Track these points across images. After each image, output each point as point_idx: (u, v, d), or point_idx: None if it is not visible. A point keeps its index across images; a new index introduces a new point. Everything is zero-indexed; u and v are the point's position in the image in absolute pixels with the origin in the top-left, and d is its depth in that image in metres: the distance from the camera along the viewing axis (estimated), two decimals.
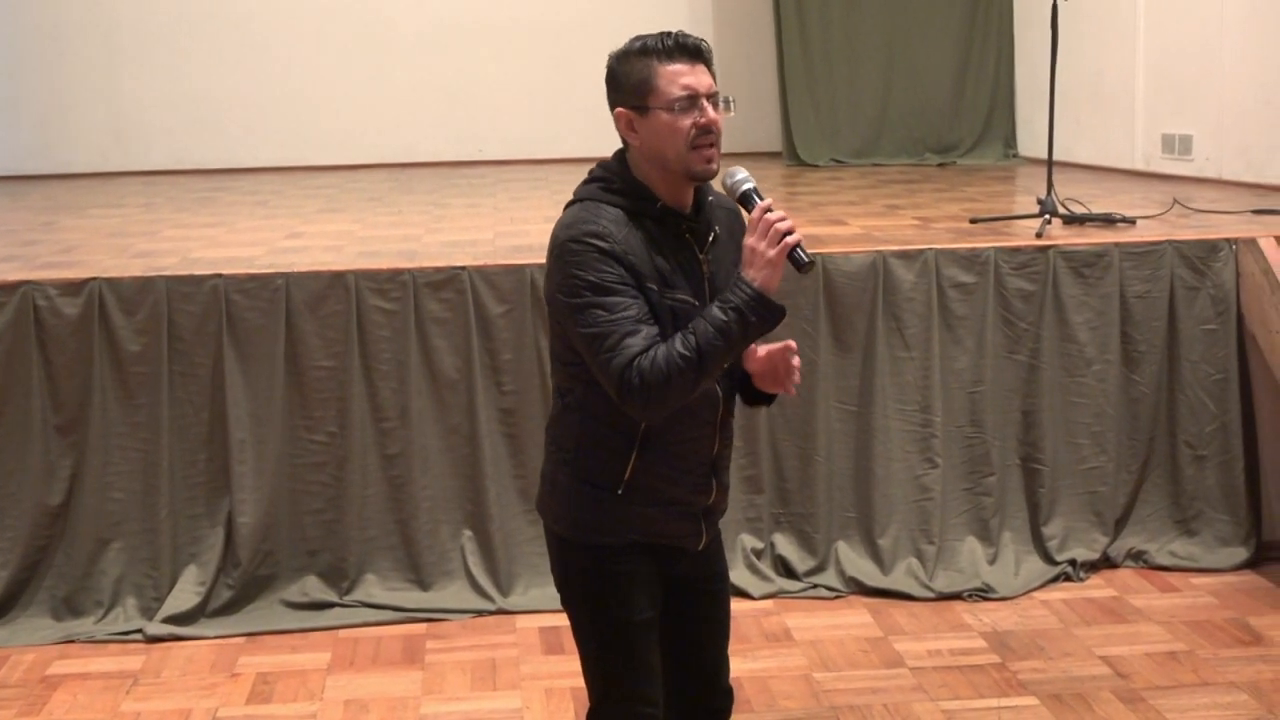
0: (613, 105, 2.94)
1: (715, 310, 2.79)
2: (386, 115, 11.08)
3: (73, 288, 5.25)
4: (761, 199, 2.86)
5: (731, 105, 2.95)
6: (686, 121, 2.86)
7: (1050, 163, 6.67)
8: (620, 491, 2.97)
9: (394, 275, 5.39)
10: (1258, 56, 7.74)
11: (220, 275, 5.32)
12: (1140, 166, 8.95)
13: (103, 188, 9.80)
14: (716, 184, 3.00)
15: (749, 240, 2.80)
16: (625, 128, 2.93)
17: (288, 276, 5.34)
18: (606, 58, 2.96)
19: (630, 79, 2.90)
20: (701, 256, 2.96)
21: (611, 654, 3.09)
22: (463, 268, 5.42)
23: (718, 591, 3.24)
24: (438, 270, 5.42)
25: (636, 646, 3.07)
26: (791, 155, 10.52)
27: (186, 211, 8.06)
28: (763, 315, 2.78)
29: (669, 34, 2.90)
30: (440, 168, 10.79)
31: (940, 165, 10.40)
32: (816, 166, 10.33)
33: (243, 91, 10.94)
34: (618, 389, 2.80)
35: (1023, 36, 10.62)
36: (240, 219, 7.58)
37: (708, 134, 2.87)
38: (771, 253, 2.77)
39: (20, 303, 5.21)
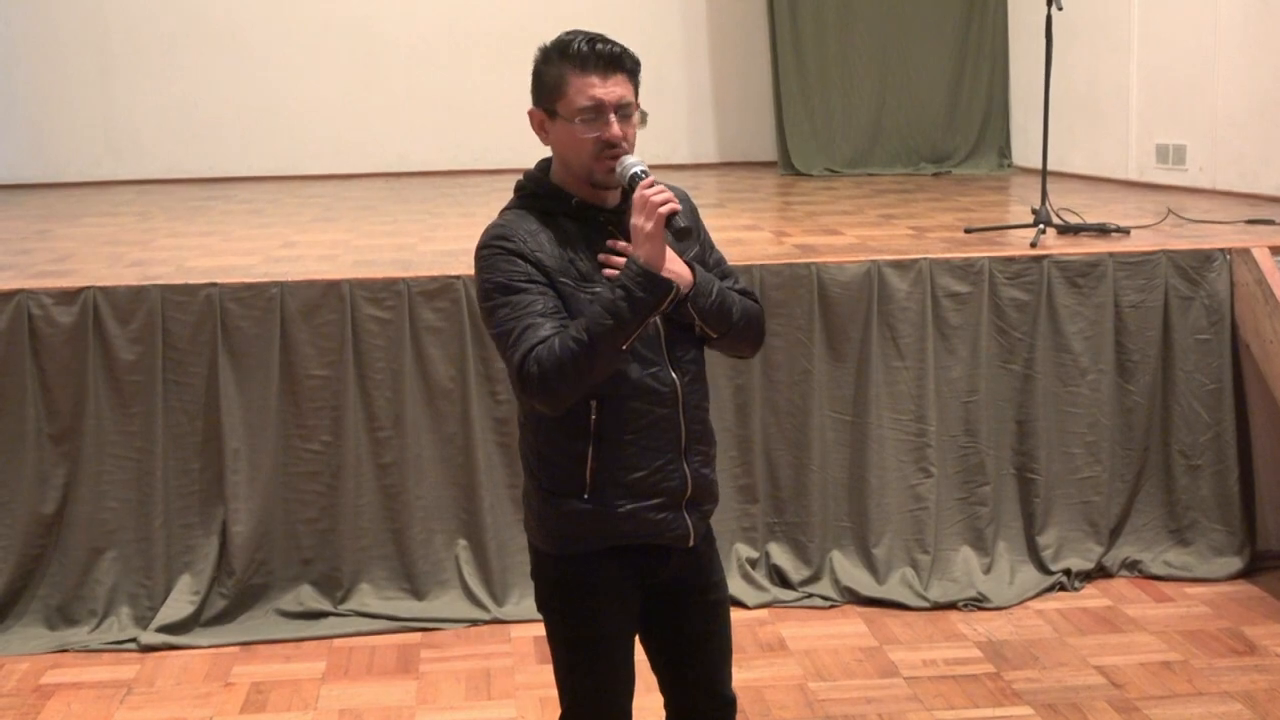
0: (532, 103, 2.97)
1: (604, 292, 2.80)
2: (380, 124, 11.08)
3: (67, 296, 5.24)
4: (646, 176, 2.84)
5: (645, 119, 2.96)
6: (591, 134, 2.86)
7: (1044, 172, 6.69)
8: (587, 496, 2.94)
9: (388, 284, 5.39)
10: (1251, 67, 7.76)
11: (215, 284, 5.32)
12: (1134, 176, 8.97)
13: (97, 196, 9.80)
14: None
15: (633, 220, 2.81)
16: (537, 127, 2.97)
17: (282, 285, 5.34)
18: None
19: (546, 80, 2.92)
20: (627, 245, 2.90)
21: (580, 667, 3.09)
22: (457, 277, 5.42)
23: (716, 602, 3.19)
24: (432, 279, 5.42)
25: (604, 660, 3.06)
26: (786, 165, 10.53)
27: (181, 220, 8.05)
28: (648, 289, 2.76)
29: (590, 39, 2.89)
30: (434, 177, 10.80)
31: (935, 175, 10.41)
32: (811, 176, 10.34)
33: (237, 100, 10.94)
34: (518, 381, 2.81)
35: (1017, 46, 10.64)
36: (235, 228, 7.58)
37: (610, 147, 2.87)
38: (649, 226, 2.78)
39: (14, 311, 5.20)
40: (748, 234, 6.57)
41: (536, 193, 2.97)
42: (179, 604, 5.25)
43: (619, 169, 2.89)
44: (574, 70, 2.87)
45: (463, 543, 5.46)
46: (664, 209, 2.77)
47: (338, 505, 5.39)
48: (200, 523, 5.35)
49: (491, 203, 8.55)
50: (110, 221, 8.07)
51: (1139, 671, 4.83)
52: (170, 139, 10.92)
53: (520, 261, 2.85)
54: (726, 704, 3.25)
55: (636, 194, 2.81)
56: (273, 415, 5.33)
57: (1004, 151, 10.82)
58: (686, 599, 3.13)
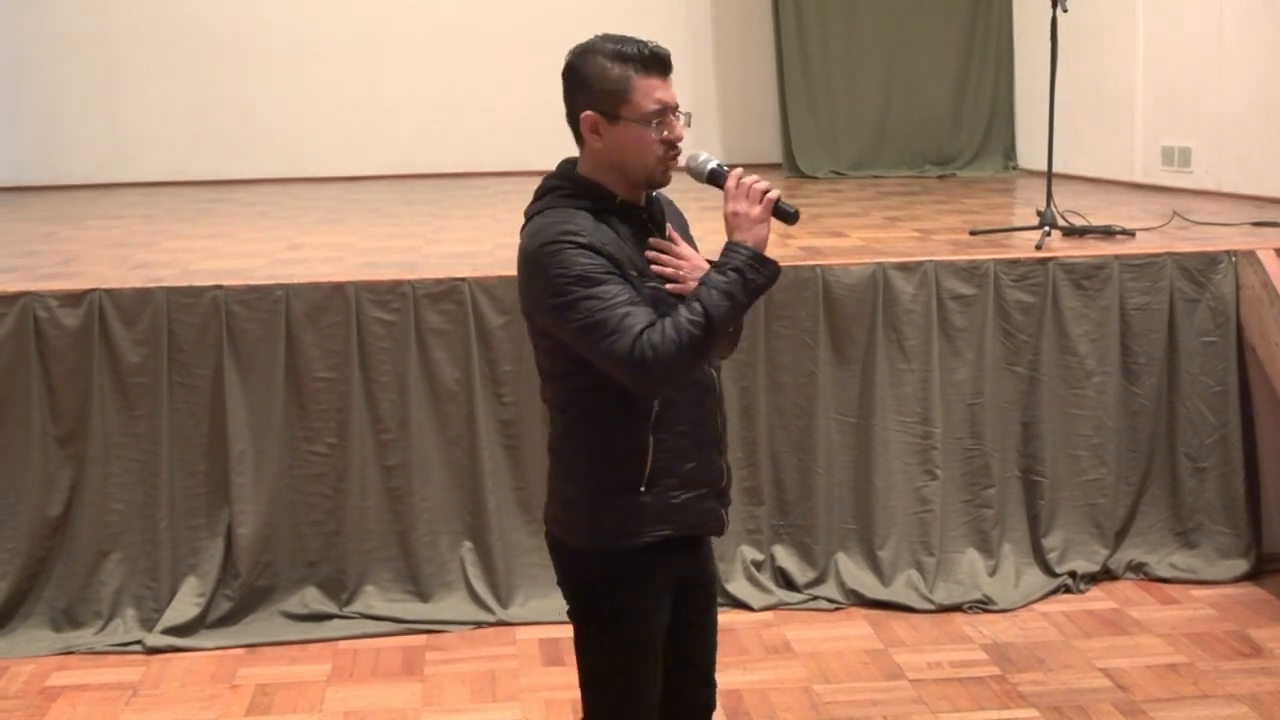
0: (580, 107, 2.95)
1: (715, 276, 2.84)
2: (386, 126, 11.08)
3: (72, 299, 5.24)
4: (724, 168, 2.94)
5: (689, 120, 2.99)
6: (657, 136, 2.91)
7: (1050, 175, 6.68)
8: (644, 488, 2.96)
9: (394, 287, 5.39)
10: (1256, 69, 7.75)
11: (220, 286, 5.33)
12: (1139, 179, 8.96)
13: (102, 199, 9.81)
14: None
15: (730, 208, 2.87)
16: (589, 130, 2.94)
17: (287, 288, 5.34)
18: (567, 54, 2.99)
19: (604, 84, 2.91)
20: (668, 244, 3.00)
21: (625, 668, 3.07)
22: (462, 279, 5.42)
23: (712, 594, 3.30)
24: (437, 282, 5.42)
25: (649, 658, 3.07)
26: (791, 167, 10.52)
27: (186, 222, 8.06)
28: (761, 272, 2.84)
29: (644, 44, 2.93)
30: (440, 179, 10.80)
31: (940, 177, 10.40)
32: (816, 178, 10.33)
33: (242, 103, 10.94)
34: (629, 366, 2.78)
35: (1022, 49, 10.63)
36: (240, 230, 7.58)
37: (673, 148, 2.94)
38: (756, 210, 2.86)
39: (20, 314, 5.21)
40: None
41: (580, 193, 2.96)
42: (184, 606, 5.25)
43: (692, 164, 2.99)
44: (638, 74, 2.90)
45: (468, 545, 5.46)
46: (771, 194, 2.87)
47: (343, 507, 5.39)
48: (205, 525, 5.35)
49: (497, 205, 8.59)
50: (116, 224, 8.08)
51: (1144, 674, 4.83)
52: (176, 141, 10.92)
53: (594, 254, 2.84)
54: (712, 687, 3.30)
55: (732, 184, 2.89)
56: (278, 417, 5.33)
57: (1009, 154, 10.80)
58: (694, 589, 3.18)
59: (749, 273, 2.82)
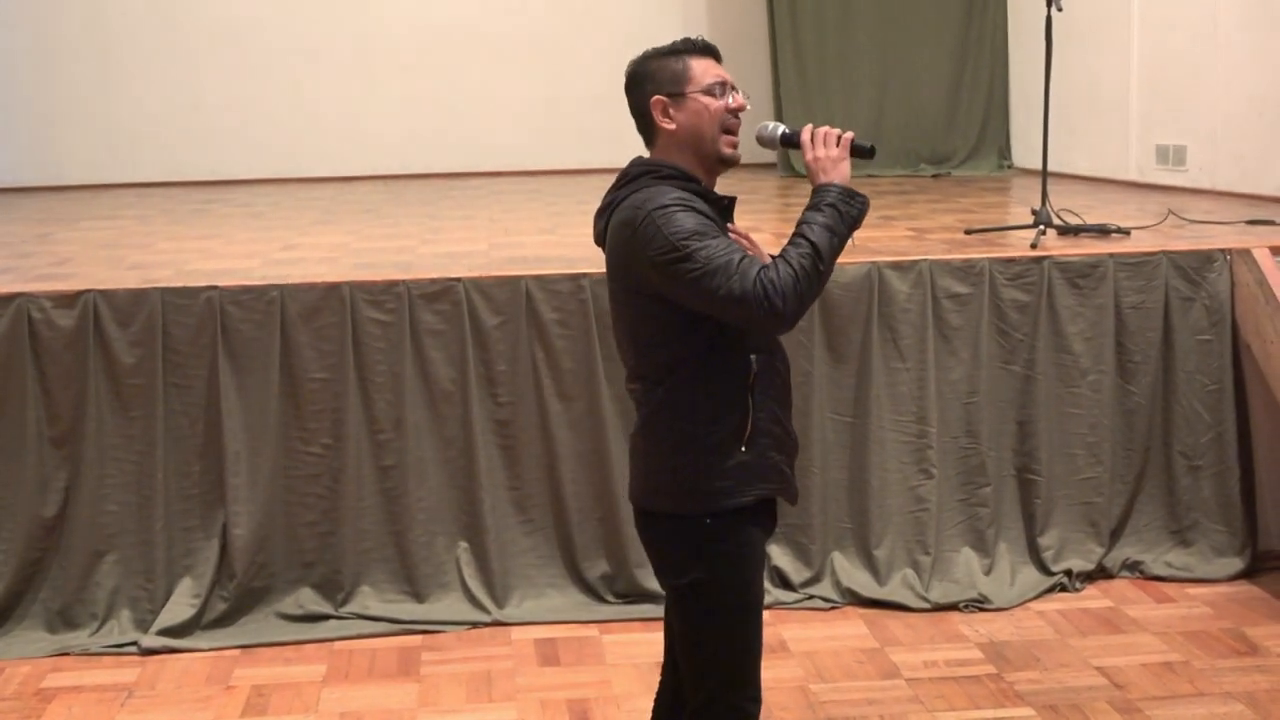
0: (647, 97, 3.16)
1: (811, 214, 3.04)
2: (381, 127, 11.09)
3: (67, 300, 5.24)
4: (796, 130, 3.18)
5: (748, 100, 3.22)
6: (721, 103, 3.13)
7: (1045, 173, 6.69)
8: (745, 448, 3.09)
9: (389, 287, 5.38)
10: (1250, 67, 7.76)
11: (215, 287, 5.32)
12: (1135, 177, 8.97)
13: (97, 199, 9.80)
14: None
15: (810, 156, 3.12)
16: (661, 114, 3.15)
17: (282, 288, 5.34)
18: (626, 68, 3.22)
19: (665, 72, 3.15)
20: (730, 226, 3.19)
21: (743, 638, 3.17)
22: (458, 279, 5.42)
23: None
24: (432, 282, 5.41)
25: (758, 623, 3.18)
26: (786, 167, 10.52)
27: (181, 223, 8.06)
28: (853, 204, 3.07)
29: (693, 38, 3.23)
30: (434, 179, 10.80)
31: (935, 176, 10.41)
32: None
33: (237, 103, 10.94)
34: (753, 302, 2.91)
35: (1017, 47, 10.64)
36: (235, 231, 7.58)
37: (735, 116, 3.15)
38: (836, 151, 3.11)
39: (15, 315, 5.20)
40: None
41: (672, 175, 3.13)
42: (180, 607, 5.24)
43: (763, 133, 3.27)
44: (695, 58, 3.17)
45: (464, 545, 5.46)
46: (847, 135, 3.12)
47: (338, 508, 5.38)
48: (201, 526, 5.35)
49: (492, 205, 8.59)
50: (110, 224, 8.08)
51: (1140, 672, 4.83)
52: (170, 142, 10.93)
53: (701, 216, 3.02)
54: None
55: (806, 136, 3.14)
56: (273, 418, 5.33)
57: (1004, 152, 10.82)
58: None
59: (843, 205, 3.04)
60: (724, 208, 3.17)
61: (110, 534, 5.28)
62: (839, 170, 3.10)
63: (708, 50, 3.20)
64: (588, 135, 11.14)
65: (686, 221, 2.97)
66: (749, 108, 3.19)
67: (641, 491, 3.22)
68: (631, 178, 3.16)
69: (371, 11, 11.08)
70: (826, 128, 3.13)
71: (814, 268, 2.96)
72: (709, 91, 3.12)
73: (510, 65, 11.13)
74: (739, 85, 3.20)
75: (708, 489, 3.10)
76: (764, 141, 3.31)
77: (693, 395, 3.10)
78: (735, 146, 3.17)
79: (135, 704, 4.74)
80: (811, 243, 2.98)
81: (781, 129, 3.25)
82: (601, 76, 11.34)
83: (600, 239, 3.23)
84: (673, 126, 3.14)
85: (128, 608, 5.27)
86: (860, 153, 3.15)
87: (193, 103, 10.91)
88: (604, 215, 3.20)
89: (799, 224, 3.03)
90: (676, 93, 3.14)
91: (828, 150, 3.10)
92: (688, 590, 3.16)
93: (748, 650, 3.18)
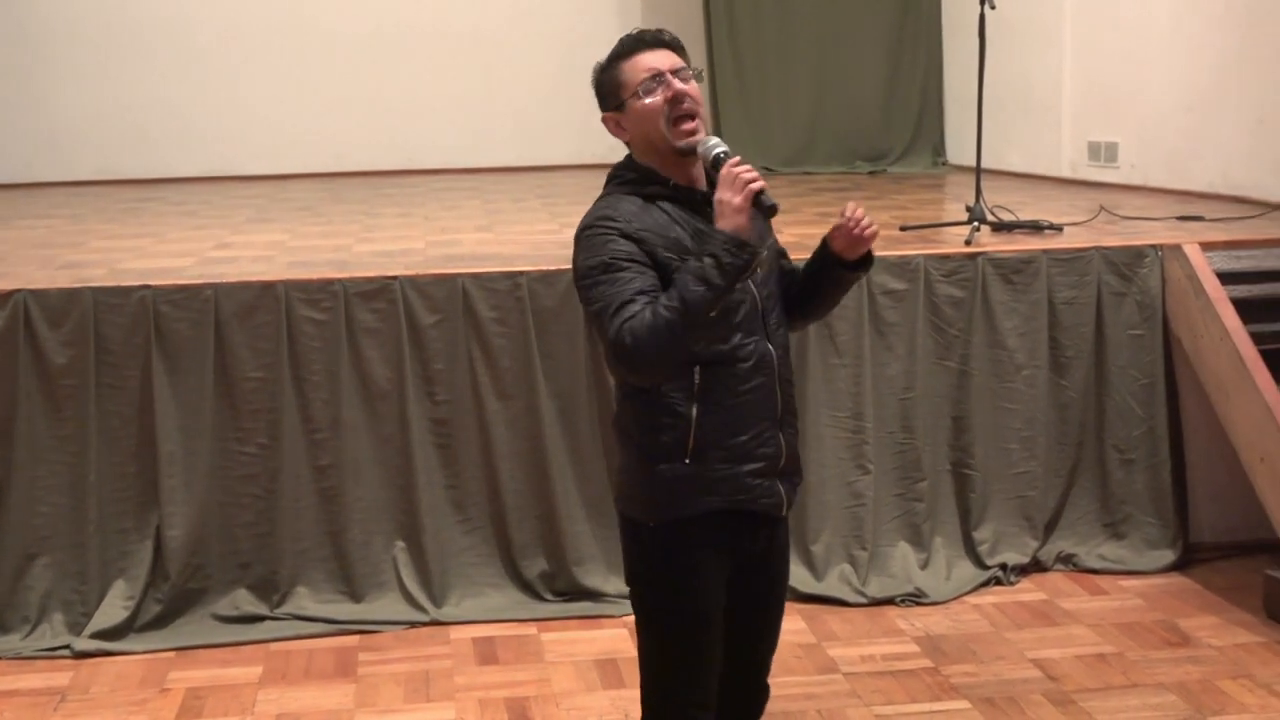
0: (603, 115, 3.14)
1: (693, 262, 2.89)
2: (316, 124, 11.01)
3: None
4: (730, 156, 2.98)
5: (701, 75, 3.14)
6: (658, 99, 3.03)
7: (979, 170, 6.73)
8: (689, 460, 3.03)
9: (325, 285, 5.35)
10: (1182, 65, 7.84)
11: (148, 286, 5.27)
12: (1067, 174, 9.05)
13: (28, 198, 9.68)
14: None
15: (718, 195, 2.92)
16: (615, 129, 3.14)
17: (217, 287, 5.30)
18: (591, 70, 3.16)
19: (605, 88, 3.11)
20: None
21: (675, 643, 3.14)
22: (394, 278, 5.39)
23: (779, 596, 3.32)
24: (369, 280, 5.39)
25: (699, 635, 3.12)
26: None
27: (114, 222, 7.97)
28: (736, 254, 2.87)
29: (630, 33, 3.14)
30: (371, 177, 10.75)
31: (871, 173, 10.46)
32: None
33: (171, 101, 10.84)
34: (613, 352, 2.89)
35: (951, 45, 10.71)
36: (169, 229, 7.51)
37: (679, 104, 3.03)
38: (737, 199, 2.89)
39: None
40: None
41: (633, 178, 3.10)
42: (113, 610, 5.19)
43: (700, 149, 3.04)
44: (624, 59, 3.08)
45: (401, 544, 5.44)
46: (753, 185, 2.90)
47: (275, 508, 5.35)
48: (135, 527, 5.30)
49: (429, 203, 8.56)
50: (42, 224, 7.98)
51: (1075, 664, 4.87)
52: (103, 140, 10.81)
53: (623, 241, 2.96)
54: (763, 691, 3.35)
55: (724, 170, 2.93)
56: (208, 418, 5.28)
57: (939, 150, 10.88)
58: (757, 581, 3.22)
59: (725, 257, 2.86)
60: (698, 201, 3.06)
61: (42, 536, 5.22)
62: (733, 219, 2.89)
63: (637, 44, 3.10)
64: (525, 132, 11.13)
65: (601, 252, 2.94)
66: (689, 87, 3.05)
67: (615, 484, 3.27)
68: (605, 183, 3.15)
69: (306, 8, 11.01)
70: (744, 168, 2.92)
71: (678, 320, 2.83)
72: (642, 92, 3.03)
73: (447, 62, 11.08)
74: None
75: (647, 497, 3.10)
76: (700, 158, 3.07)
77: (637, 404, 3.08)
78: (693, 132, 3.03)
79: (69, 708, 4.69)
80: (680, 295, 2.84)
81: (715, 151, 3.02)
82: (538, 74, 11.44)
83: None
84: (627, 137, 3.12)
85: (60, 611, 5.21)
86: (760, 207, 2.95)
87: (126, 101, 10.79)
88: None
89: (681, 269, 2.92)
90: (617, 104, 3.09)
91: (732, 195, 2.90)
92: (632, 595, 3.18)
93: (685, 663, 3.13)
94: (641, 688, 3.21)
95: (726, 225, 2.88)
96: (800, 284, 3.31)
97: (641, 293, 2.89)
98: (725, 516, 3.08)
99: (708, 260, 2.86)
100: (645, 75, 3.04)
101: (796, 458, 3.22)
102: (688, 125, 3.04)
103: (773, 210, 2.97)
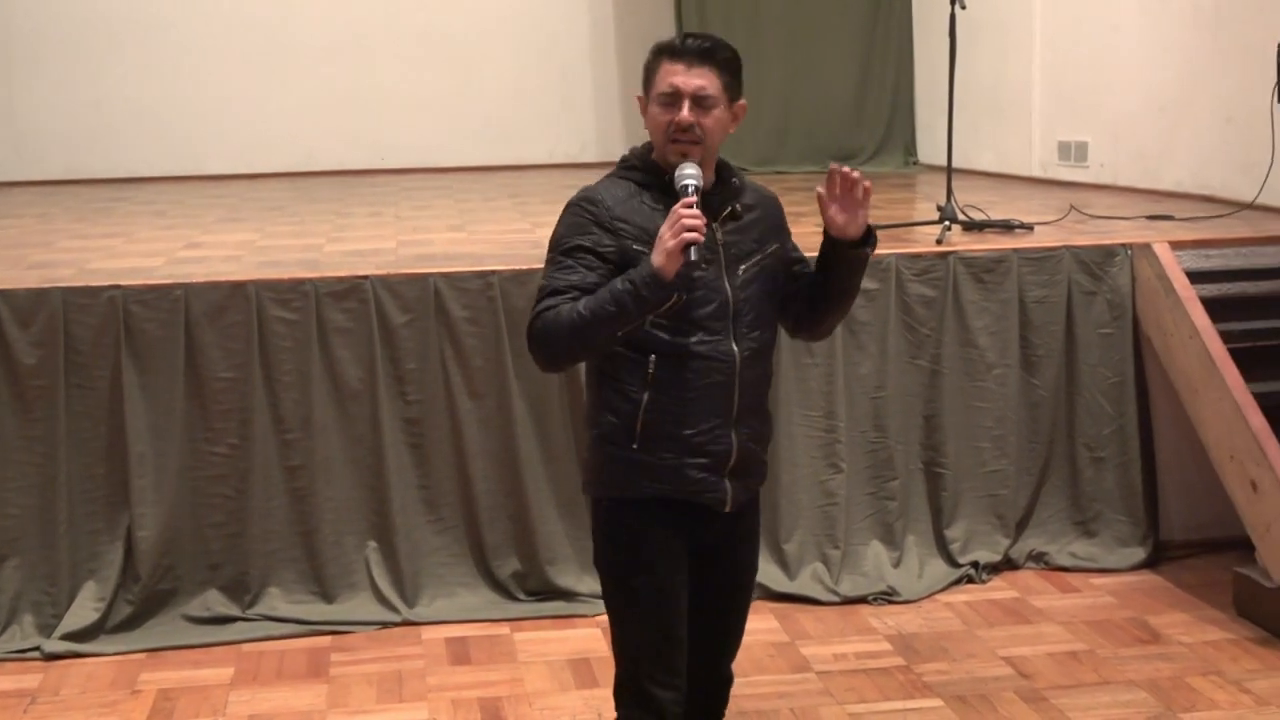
0: (639, 95, 3.24)
1: (617, 282, 2.99)
2: (287, 123, 10.97)
3: None
4: (690, 195, 3.01)
5: (734, 110, 3.19)
6: (665, 117, 3.11)
7: (950, 170, 6.75)
8: (636, 446, 3.13)
9: (295, 285, 5.34)
10: (1151, 64, 7.87)
11: (118, 286, 5.24)
12: (1038, 173, 9.08)
13: None
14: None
15: (661, 228, 2.98)
16: (641, 111, 3.22)
17: (187, 287, 5.28)
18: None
19: (646, 70, 3.18)
20: (714, 225, 3.14)
21: (637, 621, 3.22)
22: (365, 277, 5.38)
23: (742, 585, 3.41)
24: (340, 280, 5.37)
25: (662, 613, 3.19)
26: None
27: (84, 222, 7.93)
28: (654, 291, 2.96)
29: (689, 34, 3.21)
30: (342, 176, 10.72)
31: None
32: None
33: (141, 100, 10.78)
34: (527, 335, 3.07)
35: (921, 45, 10.73)
36: (138, 229, 7.48)
37: (682, 131, 3.09)
38: (671, 243, 2.94)
39: None
40: None
41: (637, 166, 3.19)
42: (84, 611, 5.16)
43: (676, 173, 3.08)
44: (665, 59, 3.14)
45: (373, 545, 5.42)
46: (688, 236, 2.92)
47: (246, 509, 5.33)
48: (105, 528, 5.27)
49: (400, 202, 8.54)
50: (11, 223, 7.94)
51: (1046, 662, 4.89)
52: (73, 139, 10.74)
53: (594, 229, 3.08)
54: (724, 682, 3.43)
55: (675, 207, 2.98)
56: (179, 419, 5.26)
57: (910, 149, 10.91)
58: (714, 565, 3.29)
59: (644, 289, 2.95)
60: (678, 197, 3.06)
61: (12, 538, 5.19)
62: (663, 258, 2.93)
63: (680, 52, 3.11)
64: (497, 132, 11.11)
65: (566, 235, 3.09)
66: (701, 118, 3.09)
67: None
68: (617, 164, 3.25)
69: (278, 7, 10.97)
70: (688, 213, 2.92)
71: (583, 327, 2.97)
72: (657, 101, 3.13)
73: (418, 61, 11.06)
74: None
75: (599, 477, 3.23)
76: (675, 179, 3.09)
77: (600, 385, 3.20)
78: (683, 155, 3.09)
79: (39, 710, 4.66)
80: (591, 307, 2.97)
81: (684, 183, 3.04)
82: (510, 73, 11.43)
83: None
84: (646, 126, 3.21)
85: (30, 612, 5.18)
86: (688, 262, 2.94)
87: (95, 99, 10.73)
88: None
89: (611, 282, 2.99)
90: (645, 94, 3.19)
91: (671, 236, 2.92)
92: (598, 572, 3.32)
93: (645, 638, 3.21)
94: (615, 658, 3.31)
95: (656, 260, 2.96)
96: (813, 281, 3.35)
97: (574, 288, 3.01)
98: (673, 503, 3.18)
99: (628, 285, 2.97)
100: (666, 89, 3.11)
101: (754, 459, 3.29)
102: (682, 147, 3.10)
103: (694, 267, 2.98)
